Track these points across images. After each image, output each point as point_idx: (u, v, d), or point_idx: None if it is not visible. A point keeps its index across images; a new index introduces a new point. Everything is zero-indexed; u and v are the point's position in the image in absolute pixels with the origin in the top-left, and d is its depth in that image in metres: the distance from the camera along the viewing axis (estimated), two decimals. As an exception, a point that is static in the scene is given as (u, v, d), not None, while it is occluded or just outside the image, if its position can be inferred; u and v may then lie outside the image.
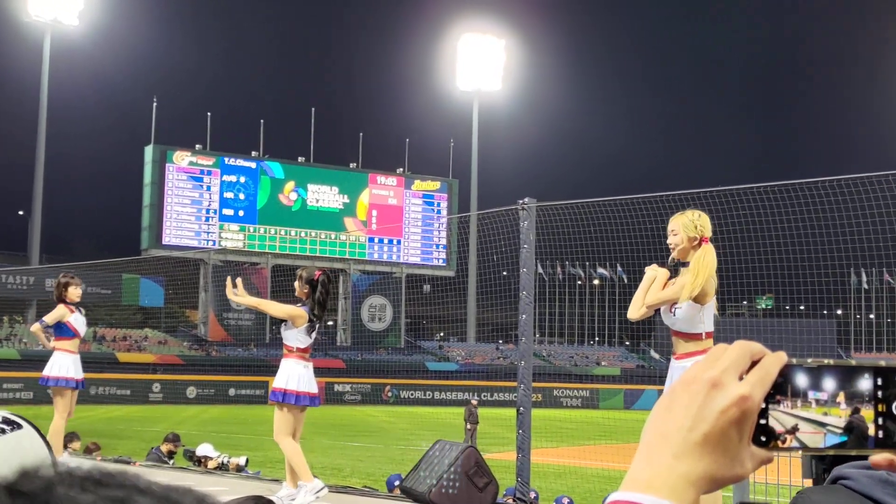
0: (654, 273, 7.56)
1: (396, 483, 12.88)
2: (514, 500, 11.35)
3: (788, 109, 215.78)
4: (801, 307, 59.04)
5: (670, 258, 7.61)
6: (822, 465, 4.90)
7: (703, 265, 7.34)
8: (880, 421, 1.01)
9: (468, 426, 29.60)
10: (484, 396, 62.24)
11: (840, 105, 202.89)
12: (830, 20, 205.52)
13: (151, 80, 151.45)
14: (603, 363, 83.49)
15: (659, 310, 7.62)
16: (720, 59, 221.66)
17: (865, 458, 1.06)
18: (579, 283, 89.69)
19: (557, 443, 29.24)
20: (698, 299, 7.32)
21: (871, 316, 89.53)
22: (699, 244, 7.40)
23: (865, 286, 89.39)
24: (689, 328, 7.38)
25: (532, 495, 11.46)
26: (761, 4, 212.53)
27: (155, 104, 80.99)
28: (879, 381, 1.02)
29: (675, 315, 7.39)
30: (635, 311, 7.63)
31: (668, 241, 7.52)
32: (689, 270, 7.36)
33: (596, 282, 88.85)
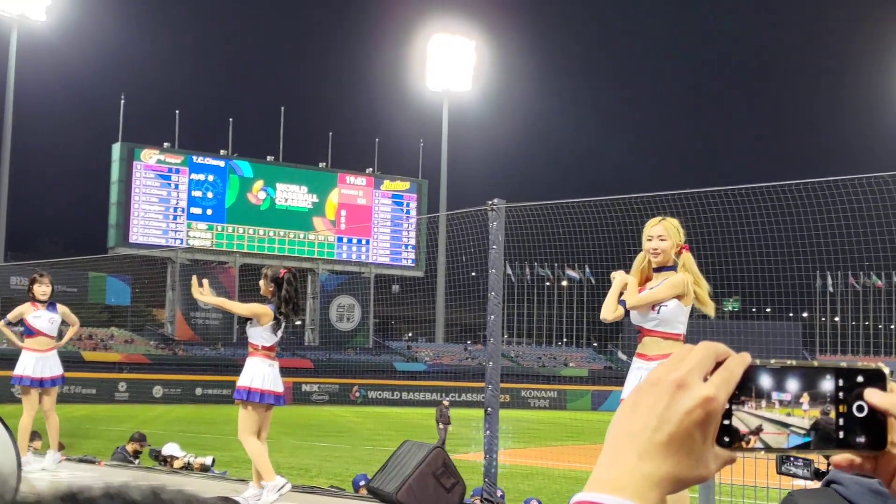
0: (623, 279, 7.59)
1: (362, 483, 12.86)
2: (480, 501, 11.36)
3: (757, 113, 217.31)
4: (768, 309, 59.57)
5: (645, 261, 7.64)
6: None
7: (696, 270, 7.55)
8: (841, 421, 1.02)
9: (440, 426, 29.60)
10: (452, 397, 62.21)
11: (808, 110, 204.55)
12: (800, 25, 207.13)
13: (119, 76, 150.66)
14: (571, 364, 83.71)
15: (629, 311, 7.66)
16: (690, 61, 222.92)
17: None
18: (548, 284, 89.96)
19: (525, 444, 29.30)
20: (684, 300, 7.45)
21: (836, 319, 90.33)
22: (679, 251, 7.56)
23: (831, 289, 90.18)
24: (670, 328, 7.47)
25: (498, 493, 11.48)
26: (730, 8, 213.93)
27: (123, 101, 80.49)
28: (840, 382, 1.03)
29: (658, 314, 7.44)
30: (609, 312, 7.68)
31: (653, 246, 7.53)
32: (688, 274, 7.49)
33: (564, 283, 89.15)
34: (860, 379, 1.03)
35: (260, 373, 9.78)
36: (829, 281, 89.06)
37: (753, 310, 66.07)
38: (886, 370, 1.04)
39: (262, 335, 9.89)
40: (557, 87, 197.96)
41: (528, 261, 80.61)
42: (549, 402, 73.51)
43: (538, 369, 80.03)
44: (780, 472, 5.23)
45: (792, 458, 4.74)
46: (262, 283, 10.05)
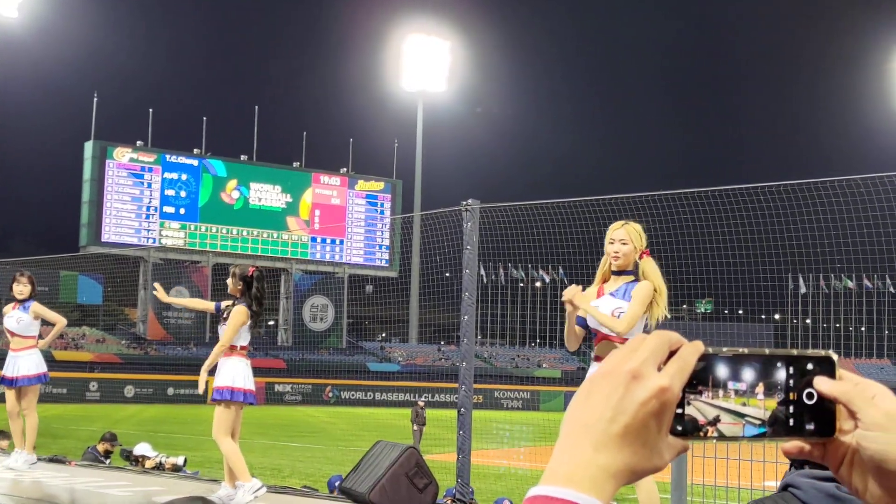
0: (575, 304, 7.51)
1: (337, 484, 12.82)
2: (453, 501, 11.36)
3: (733, 116, 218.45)
4: (740, 311, 59.86)
5: (607, 264, 7.69)
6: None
7: (658, 277, 7.60)
8: (791, 409, 1.03)
9: (415, 427, 29.57)
10: (425, 397, 62.16)
11: (784, 113, 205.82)
12: (776, 28, 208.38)
13: (93, 74, 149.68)
14: (544, 365, 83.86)
15: (586, 325, 7.69)
16: (667, 62, 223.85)
17: (823, 466, 1.07)
18: (521, 285, 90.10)
19: (498, 444, 29.32)
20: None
21: (808, 321, 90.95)
22: (640, 256, 7.64)
23: (803, 291, 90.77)
24: (633, 334, 7.45)
25: (468, 490, 11.48)
26: (706, 11, 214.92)
27: (96, 100, 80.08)
28: (791, 370, 1.03)
29: (619, 319, 7.47)
30: (573, 343, 7.74)
31: (615, 250, 7.59)
32: (651, 282, 7.54)
33: (538, 284, 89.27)
34: (810, 366, 1.04)
35: (241, 372, 9.75)
36: (802, 283, 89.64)
37: (726, 311, 66.36)
38: (835, 356, 1.05)
39: (239, 335, 9.86)
40: (533, 87, 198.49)
41: (501, 262, 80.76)
42: (522, 403, 73.62)
43: (511, 370, 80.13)
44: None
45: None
46: (230, 281, 9.99)
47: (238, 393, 9.70)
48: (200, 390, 9.72)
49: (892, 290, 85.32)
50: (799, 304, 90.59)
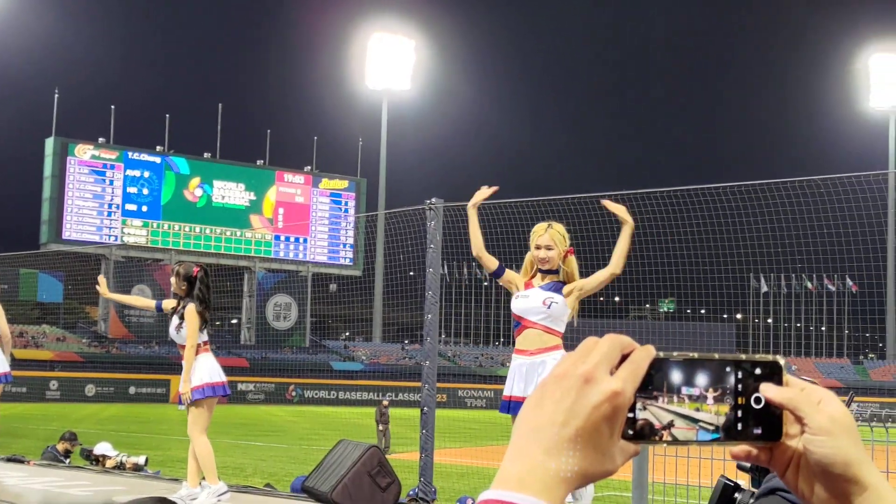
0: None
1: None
2: (415, 500, 11.35)
3: (694, 116, 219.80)
4: (702, 310, 60.25)
5: (534, 265, 8.04)
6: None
7: (577, 275, 8.03)
8: (739, 413, 1.03)
9: (380, 427, 29.51)
10: (389, 396, 62.11)
11: (745, 114, 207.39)
12: (739, 34, 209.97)
13: (53, 70, 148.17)
14: (507, 364, 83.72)
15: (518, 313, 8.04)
16: (629, 62, 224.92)
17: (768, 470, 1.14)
18: (485, 284, 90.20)
19: (461, 443, 29.33)
20: (569, 301, 7.92)
21: (769, 320, 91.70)
22: (565, 256, 7.97)
23: (765, 290, 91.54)
24: (555, 325, 7.88)
25: (431, 489, 11.47)
26: (668, 9, 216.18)
27: (57, 95, 79.32)
28: (739, 375, 1.04)
29: (549, 308, 7.82)
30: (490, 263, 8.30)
31: (541, 256, 7.90)
32: (576, 278, 7.98)
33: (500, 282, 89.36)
34: (758, 371, 1.04)
35: (210, 368, 9.73)
36: (763, 283, 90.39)
37: (688, 311, 66.81)
38: (782, 361, 1.05)
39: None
40: (497, 86, 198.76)
41: (465, 260, 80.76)
42: (486, 402, 73.69)
43: (475, 369, 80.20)
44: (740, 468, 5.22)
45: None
46: (173, 280, 9.92)
47: (219, 387, 9.69)
48: (185, 404, 9.64)
49: (852, 290, 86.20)
50: (760, 303, 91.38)
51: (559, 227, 8.05)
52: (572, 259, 7.98)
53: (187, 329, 9.66)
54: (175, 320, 9.83)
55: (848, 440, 1.04)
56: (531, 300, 7.89)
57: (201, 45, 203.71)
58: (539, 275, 8.00)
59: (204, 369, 9.71)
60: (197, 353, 9.77)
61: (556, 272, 7.98)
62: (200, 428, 9.64)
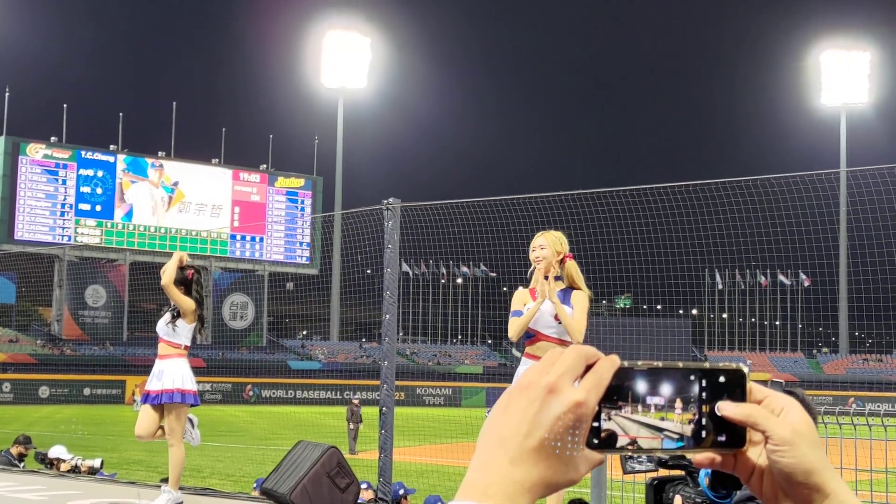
0: (543, 296, 8.02)
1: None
2: (375, 500, 11.35)
3: (649, 115, 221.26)
4: (659, 306, 60.65)
5: (532, 270, 8.17)
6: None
7: (582, 280, 8.24)
8: (704, 421, 1.05)
9: (351, 426, 29.43)
10: (347, 395, 62.06)
11: (697, 112, 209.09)
12: (691, 32, 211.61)
13: (4, 68, 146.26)
14: (465, 361, 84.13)
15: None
16: (593, 60, 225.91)
17: (734, 477, 1.11)
18: (443, 281, 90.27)
19: (420, 441, 29.35)
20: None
21: (725, 315, 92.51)
22: (562, 261, 8.14)
23: (720, 286, 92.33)
24: (565, 336, 8.01)
25: (401, 491, 11.48)
26: (637, 7, 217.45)
27: (7, 94, 78.35)
28: (704, 383, 1.05)
29: (559, 323, 8.00)
30: (520, 334, 8.18)
31: (535, 256, 8.12)
32: (584, 291, 8.20)
33: (459, 280, 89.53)
34: (722, 379, 1.06)
35: (189, 374, 9.73)
36: (718, 279, 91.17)
37: (645, 307, 67.27)
38: (746, 369, 1.07)
39: (186, 334, 9.80)
40: (457, 84, 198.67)
41: (423, 258, 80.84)
42: (444, 400, 73.81)
43: (433, 367, 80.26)
44: (626, 473, 5.30)
45: (635, 456, 4.78)
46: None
47: (189, 395, 9.66)
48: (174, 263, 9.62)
49: (805, 285, 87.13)
50: (716, 299, 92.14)
51: (556, 232, 8.34)
52: (571, 264, 8.20)
53: (182, 297, 9.65)
54: (168, 316, 9.78)
55: (809, 449, 1.05)
56: (541, 314, 8.04)
57: (154, 43, 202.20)
58: (543, 280, 8.07)
59: (177, 374, 9.67)
60: (181, 355, 9.76)
61: (558, 279, 8.15)
62: (178, 436, 9.64)
